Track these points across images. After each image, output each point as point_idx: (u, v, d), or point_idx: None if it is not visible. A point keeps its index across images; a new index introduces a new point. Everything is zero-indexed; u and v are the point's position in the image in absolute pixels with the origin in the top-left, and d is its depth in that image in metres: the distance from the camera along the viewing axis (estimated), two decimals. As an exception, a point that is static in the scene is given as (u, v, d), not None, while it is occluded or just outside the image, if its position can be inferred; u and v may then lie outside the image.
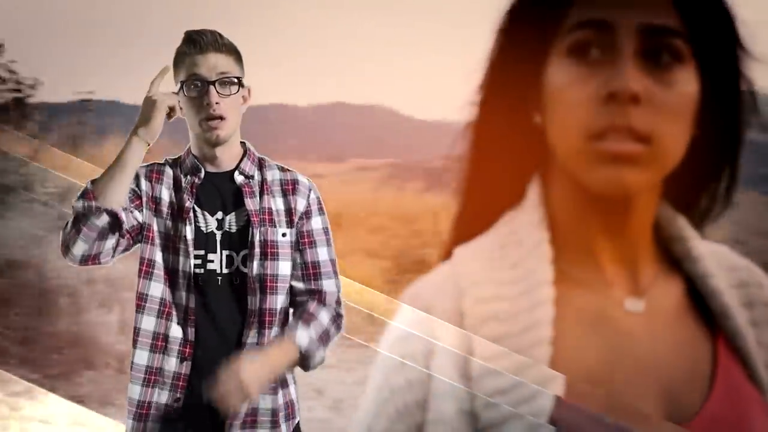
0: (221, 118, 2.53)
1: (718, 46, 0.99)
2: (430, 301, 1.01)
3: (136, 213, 2.53)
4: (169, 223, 2.57)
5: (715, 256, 1.08)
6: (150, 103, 2.49)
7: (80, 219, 2.44)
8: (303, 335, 2.52)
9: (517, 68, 1.01)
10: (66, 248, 2.47)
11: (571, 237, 1.03)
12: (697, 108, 0.99)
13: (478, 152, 1.06)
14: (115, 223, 2.47)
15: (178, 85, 2.57)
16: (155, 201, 2.57)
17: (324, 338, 2.56)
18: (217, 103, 2.52)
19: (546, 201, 1.04)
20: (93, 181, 2.47)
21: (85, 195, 2.46)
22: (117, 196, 2.46)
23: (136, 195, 2.56)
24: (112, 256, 2.52)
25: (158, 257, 2.55)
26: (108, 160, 2.53)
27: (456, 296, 1.00)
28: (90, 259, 2.48)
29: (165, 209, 2.58)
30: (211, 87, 2.52)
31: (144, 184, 2.58)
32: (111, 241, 2.48)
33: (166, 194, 2.59)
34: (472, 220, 1.08)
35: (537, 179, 1.05)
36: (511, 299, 0.99)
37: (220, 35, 2.57)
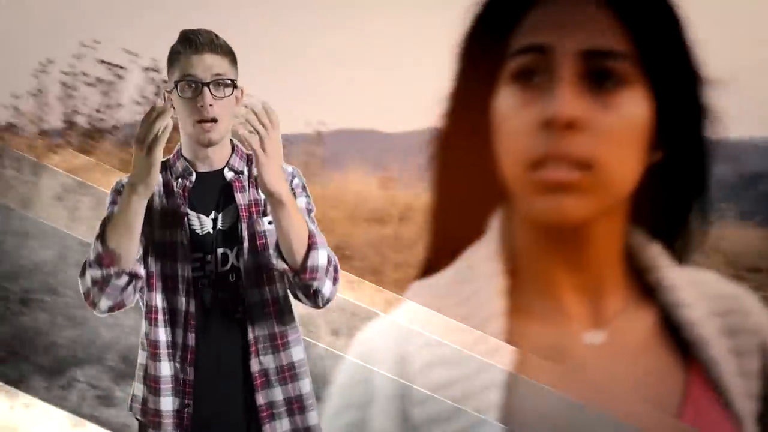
0: (214, 120, 2.51)
1: (671, 69, 0.95)
2: (374, 346, 0.98)
3: None
4: (163, 230, 2.54)
5: (696, 283, 1.03)
6: (142, 158, 2.33)
7: (100, 282, 2.42)
8: (311, 224, 2.48)
9: (476, 95, 0.98)
10: (92, 303, 2.46)
11: (530, 269, 0.99)
12: (650, 132, 0.95)
13: (444, 182, 1.03)
14: (135, 276, 2.46)
15: (172, 85, 2.55)
16: (148, 212, 2.51)
17: (329, 258, 2.47)
18: (210, 105, 2.50)
19: (507, 232, 1.01)
20: (102, 242, 2.40)
21: (101, 263, 2.41)
22: (132, 255, 2.42)
23: None
24: (134, 297, 2.51)
25: (155, 268, 2.54)
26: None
27: (400, 340, 0.96)
28: (116, 308, 2.49)
29: (157, 217, 2.56)
30: (206, 88, 2.50)
31: None
32: (132, 288, 2.46)
33: (157, 202, 2.57)
34: (440, 254, 1.04)
35: (500, 210, 1.01)
36: (459, 338, 0.95)
37: (216, 35, 2.56)
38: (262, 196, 2.57)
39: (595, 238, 0.97)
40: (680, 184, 1.01)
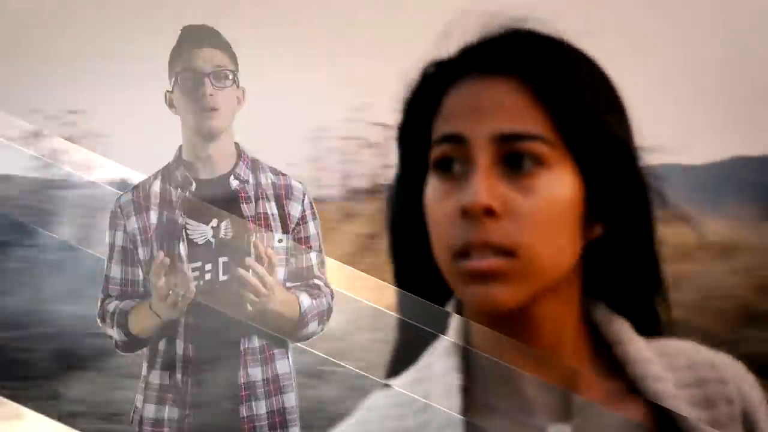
0: (215, 109, 2.51)
1: (595, 145, 0.91)
2: None
3: (139, 270, 2.56)
4: (160, 244, 2.52)
5: (666, 355, 0.98)
6: (170, 310, 2.46)
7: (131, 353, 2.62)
8: (305, 297, 2.52)
9: (414, 181, 0.95)
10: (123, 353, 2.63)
11: (486, 360, 0.95)
12: (580, 209, 0.91)
13: (400, 268, 1.00)
14: None
15: (173, 78, 2.55)
16: (146, 231, 2.54)
17: (320, 314, 2.55)
18: (211, 95, 2.50)
19: (460, 320, 0.96)
20: (126, 334, 2.55)
21: (129, 350, 2.62)
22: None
23: (132, 252, 2.56)
24: None
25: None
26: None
27: None
28: None
29: (154, 233, 2.54)
30: (206, 79, 2.50)
31: (134, 224, 2.55)
32: None
33: (154, 217, 2.54)
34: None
35: (453, 297, 0.97)
36: None
37: (217, 33, 2.57)
38: (270, 211, 2.56)
39: (543, 320, 0.93)
40: (626, 257, 0.96)
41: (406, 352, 0.98)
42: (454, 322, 0.96)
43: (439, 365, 0.95)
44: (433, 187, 0.92)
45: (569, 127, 0.90)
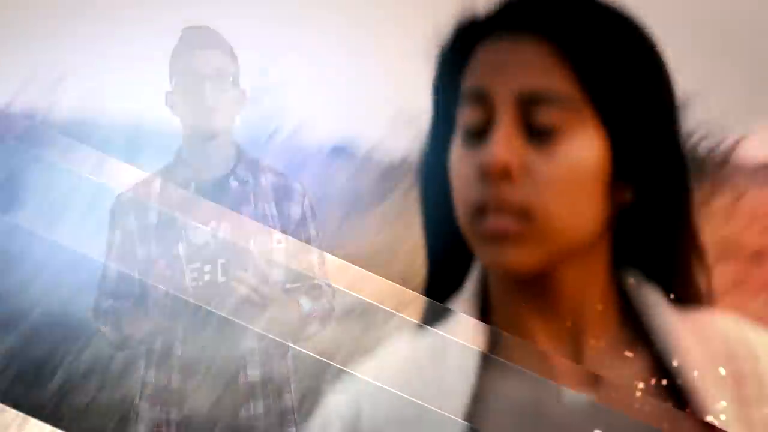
0: (214, 110, 2.51)
1: (624, 106, 0.89)
2: (330, 407, 0.95)
3: (136, 269, 2.55)
4: (159, 244, 2.52)
5: (698, 327, 0.96)
6: None
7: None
8: (305, 300, 2.53)
9: (441, 140, 0.94)
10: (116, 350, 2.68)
11: (505, 320, 0.94)
12: (605, 174, 0.90)
13: (430, 223, 0.99)
14: None
15: (173, 79, 2.55)
16: (145, 230, 2.53)
17: (321, 316, 2.56)
18: (211, 95, 2.50)
19: (483, 280, 0.95)
20: (120, 332, 2.58)
21: (122, 347, 2.67)
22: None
23: (130, 251, 2.56)
24: None
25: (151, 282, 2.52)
26: None
27: (355, 401, 0.94)
28: None
29: (153, 232, 2.53)
30: (206, 80, 2.50)
31: (133, 223, 2.55)
32: None
33: (153, 217, 2.54)
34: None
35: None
36: (418, 408, 0.91)
37: (217, 34, 2.56)
38: (270, 212, 2.56)
39: (566, 285, 0.92)
40: (659, 222, 0.94)
41: (432, 308, 0.98)
42: (476, 275, 0.96)
43: (454, 322, 0.95)
44: (456, 146, 0.91)
45: (595, 87, 0.88)
